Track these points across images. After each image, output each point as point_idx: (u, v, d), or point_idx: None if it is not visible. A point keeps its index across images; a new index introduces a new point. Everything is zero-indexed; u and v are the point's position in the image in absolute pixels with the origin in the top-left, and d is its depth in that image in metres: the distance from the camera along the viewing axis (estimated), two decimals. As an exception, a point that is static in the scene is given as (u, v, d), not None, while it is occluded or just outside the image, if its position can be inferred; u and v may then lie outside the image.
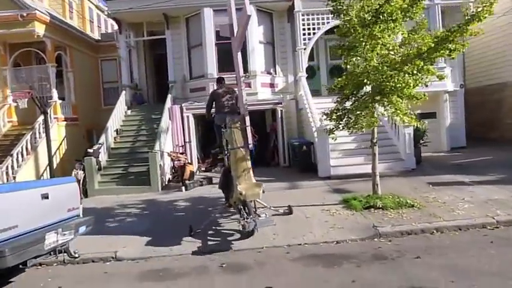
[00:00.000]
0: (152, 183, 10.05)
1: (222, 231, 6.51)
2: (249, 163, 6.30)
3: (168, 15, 13.21)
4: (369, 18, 5.79)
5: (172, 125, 12.32)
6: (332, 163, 10.22)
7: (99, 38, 17.70)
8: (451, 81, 13.66)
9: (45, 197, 4.22)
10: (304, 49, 13.09)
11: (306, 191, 8.79)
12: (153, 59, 15.51)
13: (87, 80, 15.90)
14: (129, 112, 13.23)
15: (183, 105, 12.73)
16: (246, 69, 12.53)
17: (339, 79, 6.92)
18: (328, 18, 13.02)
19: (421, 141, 11.32)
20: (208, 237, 6.15)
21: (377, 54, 6.20)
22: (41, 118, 12.04)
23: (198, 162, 12.80)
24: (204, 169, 12.88)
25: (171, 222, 7.16)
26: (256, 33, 12.89)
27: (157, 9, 12.60)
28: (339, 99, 7.36)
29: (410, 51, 6.06)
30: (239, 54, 6.76)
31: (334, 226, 6.08)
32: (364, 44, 6.11)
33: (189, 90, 13.44)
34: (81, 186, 9.78)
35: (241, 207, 5.94)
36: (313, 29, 13.06)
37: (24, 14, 11.78)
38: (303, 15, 12.99)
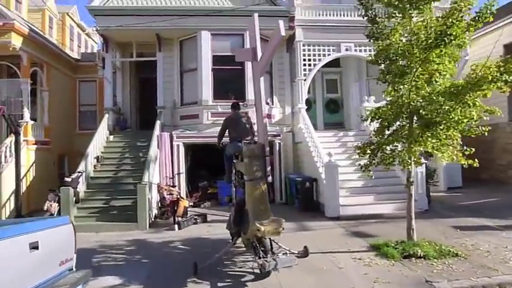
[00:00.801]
0: (139, 219, 8.71)
1: (231, 272, 5.66)
2: (267, 196, 5.58)
3: (161, 36, 12.34)
4: (429, 41, 5.15)
5: (161, 154, 11.14)
6: (341, 202, 9.35)
7: (79, 58, 16.46)
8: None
9: (34, 246, 3.01)
10: (305, 80, 12.52)
11: (319, 234, 7.81)
12: (139, 82, 14.43)
13: (63, 101, 14.50)
14: (111, 138, 11.92)
15: (173, 133, 11.64)
16: (243, 97, 11.76)
17: (383, 108, 6.17)
18: (329, 50, 12.66)
19: (430, 181, 10.75)
20: (218, 279, 5.29)
21: (434, 81, 5.56)
22: (9, 140, 10.52)
23: (186, 197, 11.57)
24: (191, 204, 11.64)
25: (171, 270, 5.90)
26: (255, 60, 12.19)
27: (151, 29, 11.71)
28: (375, 131, 6.58)
29: (475, 77, 5.26)
30: (262, 79, 6.00)
31: (378, 280, 5.10)
32: (415, 70, 5.48)
33: (179, 117, 12.38)
34: (54, 221, 8.37)
35: (257, 245, 5.24)
36: (314, 60, 12.58)
37: (1, 24, 10.50)
38: (303, 45, 12.51)
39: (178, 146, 11.58)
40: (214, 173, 13.04)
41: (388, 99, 6.39)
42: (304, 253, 5.94)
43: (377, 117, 6.36)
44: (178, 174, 11.10)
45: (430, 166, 11.20)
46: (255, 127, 6.69)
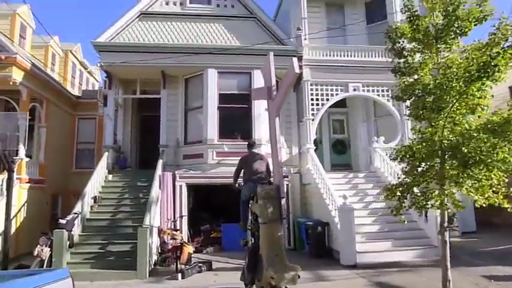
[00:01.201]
0: (139, 267, 7.93)
1: None
2: (282, 241, 5.25)
3: (166, 73, 12.12)
4: (471, 73, 4.81)
5: (163, 195, 10.50)
6: (357, 248, 8.67)
7: (80, 95, 16.17)
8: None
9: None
10: (313, 120, 12.20)
11: (339, 285, 7.08)
12: (141, 120, 14.06)
13: (61, 138, 14.00)
14: (110, 177, 11.30)
15: (176, 172, 11.07)
16: (250, 137, 11.35)
17: (416, 146, 5.69)
18: (337, 90, 12.47)
19: (450, 225, 10.11)
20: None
21: (477, 116, 5.18)
22: (0, 177, 9.86)
23: (188, 241, 10.79)
24: (193, 249, 10.84)
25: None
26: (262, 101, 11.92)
27: (156, 66, 11.54)
28: (405, 172, 6.10)
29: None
30: (277, 119, 5.68)
31: None
32: (451, 105, 5.11)
33: (183, 157, 11.87)
34: (45, 267, 7.59)
35: None
36: (322, 99, 12.34)
37: (3, 57, 10.21)
38: (311, 85, 12.32)
39: (181, 186, 10.98)
40: (217, 216, 12.37)
41: (419, 136, 5.93)
42: None
43: (407, 155, 5.88)
44: (181, 217, 10.40)
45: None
46: (271, 167, 6.45)
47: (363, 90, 12.61)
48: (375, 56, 12.77)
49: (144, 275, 7.92)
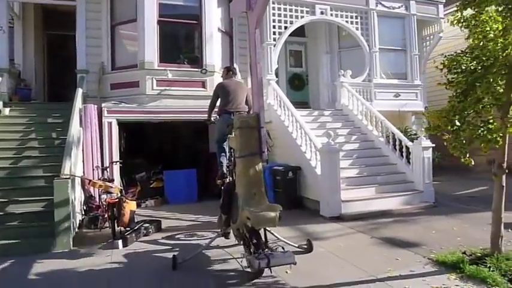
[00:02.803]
0: (59, 233, 5.54)
1: (217, 270, 4.60)
2: (262, 177, 4.43)
3: (83, -28, 8.87)
4: None
5: (86, 135, 7.86)
6: (342, 197, 7.23)
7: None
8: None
9: None
10: (274, 45, 10.10)
11: (338, 243, 5.54)
12: (48, 39, 10.64)
13: None
14: (6, 111, 8.19)
15: (103, 106, 8.37)
16: (200, 62, 8.98)
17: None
18: (302, 12, 10.39)
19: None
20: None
21: None
22: None
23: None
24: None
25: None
26: (215, 15, 9.43)
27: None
28: (454, 97, 4.47)
29: None
30: (257, 31, 4.53)
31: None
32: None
33: (110, 86, 9.09)
34: None
35: (248, 236, 4.24)
36: (285, 22, 10.22)
37: None
38: (273, 3, 10.05)
39: (110, 124, 8.36)
40: (155, 161, 10.12)
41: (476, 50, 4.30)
42: (308, 247, 5.05)
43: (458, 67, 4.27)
44: (113, 163, 7.91)
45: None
46: (250, 95, 5.63)
47: (331, 15, 10.74)
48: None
49: (67, 243, 5.58)
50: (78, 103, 7.87)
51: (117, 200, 5.93)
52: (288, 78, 12.14)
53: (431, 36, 12.52)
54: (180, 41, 9.25)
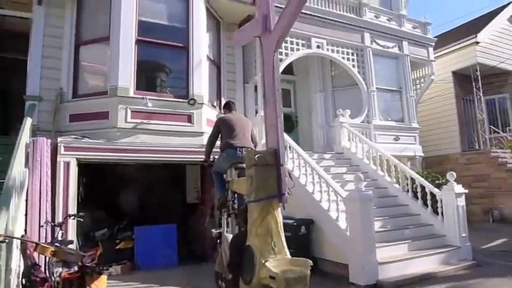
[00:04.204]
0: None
1: None
2: (281, 225, 3.61)
3: (44, -21, 7.26)
4: None
5: (33, 179, 5.78)
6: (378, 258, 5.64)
7: None
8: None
9: None
10: (269, 78, 8.82)
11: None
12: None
13: None
14: None
15: (59, 140, 6.40)
16: (185, 92, 7.47)
17: None
18: (298, 44, 9.36)
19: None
20: None
21: None
22: None
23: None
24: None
25: None
26: (204, 40, 8.06)
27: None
28: None
29: None
30: (276, 54, 3.89)
31: None
32: None
33: (70, 118, 7.18)
34: None
35: None
36: (280, 53, 9.07)
37: None
38: (267, 31, 8.94)
39: (68, 164, 6.35)
40: (119, 215, 8.13)
41: None
42: None
43: None
44: (68, 217, 5.80)
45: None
46: (254, 130, 5.58)
47: (327, 50, 9.81)
48: (345, 10, 10.21)
49: None
50: (24, 136, 5.88)
51: (78, 274, 3.92)
52: (276, 118, 10.80)
53: (423, 79, 12.01)
54: (162, 67, 7.68)
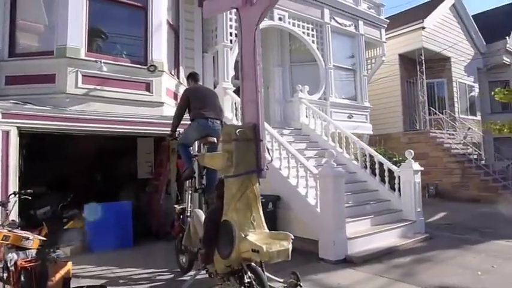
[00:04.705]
0: None
1: None
2: (260, 199, 3.68)
3: None
4: None
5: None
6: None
7: None
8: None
9: None
10: (231, 48, 8.41)
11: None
12: None
13: None
14: None
15: (-4, 105, 5.48)
16: (144, 58, 6.84)
17: None
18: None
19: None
20: None
21: None
22: None
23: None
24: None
25: None
26: (164, 2, 7.33)
27: None
28: None
29: None
30: (258, 28, 3.84)
31: None
32: None
33: (6, 80, 6.17)
34: None
35: (249, 274, 3.34)
36: (242, 23, 8.62)
37: None
38: None
39: (7, 134, 5.47)
40: (61, 191, 7.40)
41: None
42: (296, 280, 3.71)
43: None
44: (14, 195, 4.99)
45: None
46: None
47: (289, 23, 9.56)
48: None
49: None
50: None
51: (37, 261, 3.37)
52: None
53: (374, 60, 12.33)
54: (118, 27, 6.86)
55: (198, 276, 4.37)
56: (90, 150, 8.73)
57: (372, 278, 4.76)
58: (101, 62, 6.14)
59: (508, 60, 16.53)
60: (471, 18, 15.70)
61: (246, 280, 3.38)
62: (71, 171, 8.60)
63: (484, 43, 16.23)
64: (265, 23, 9.08)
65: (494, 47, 16.25)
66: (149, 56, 6.84)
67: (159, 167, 8.44)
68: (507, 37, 16.28)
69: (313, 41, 10.01)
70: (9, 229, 3.70)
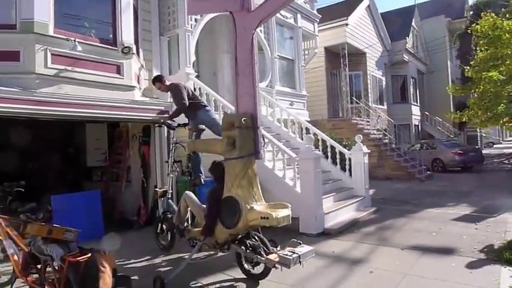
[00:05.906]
0: None
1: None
2: (258, 177, 4.30)
3: None
4: None
5: None
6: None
7: None
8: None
9: None
10: (192, 33, 8.36)
11: (389, 262, 4.70)
12: None
13: None
14: None
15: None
16: (114, 39, 6.57)
17: None
18: None
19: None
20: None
21: None
22: None
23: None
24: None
25: None
26: (129, -21, 6.97)
27: None
28: None
29: None
30: (255, 33, 4.37)
31: None
32: None
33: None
34: None
35: (256, 237, 4.15)
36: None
37: None
38: (189, -18, 8.33)
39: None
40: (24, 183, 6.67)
41: None
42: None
43: None
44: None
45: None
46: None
47: (241, 11, 9.78)
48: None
49: None
50: None
51: (85, 256, 3.23)
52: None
53: (308, 51, 13.26)
54: (85, 4, 6.32)
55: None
56: (30, 138, 7.92)
57: (356, 245, 5.51)
58: (74, 40, 5.68)
59: (407, 57, 19.17)
60: (381, 18, 17.77)
61: (250, 243, 4.07)
62: (11, 160, 7.75)
63: (390, 41, 18.54)
64: (220, 9, 9.18)
65: (397, 45, 18.69)
66: (118, 37, 6.51)
67: (117, 154, 8.11)
68: (407, 37, 18.85)
69: (260, 31, 10.41)
70: (47, 224, 3.45)
